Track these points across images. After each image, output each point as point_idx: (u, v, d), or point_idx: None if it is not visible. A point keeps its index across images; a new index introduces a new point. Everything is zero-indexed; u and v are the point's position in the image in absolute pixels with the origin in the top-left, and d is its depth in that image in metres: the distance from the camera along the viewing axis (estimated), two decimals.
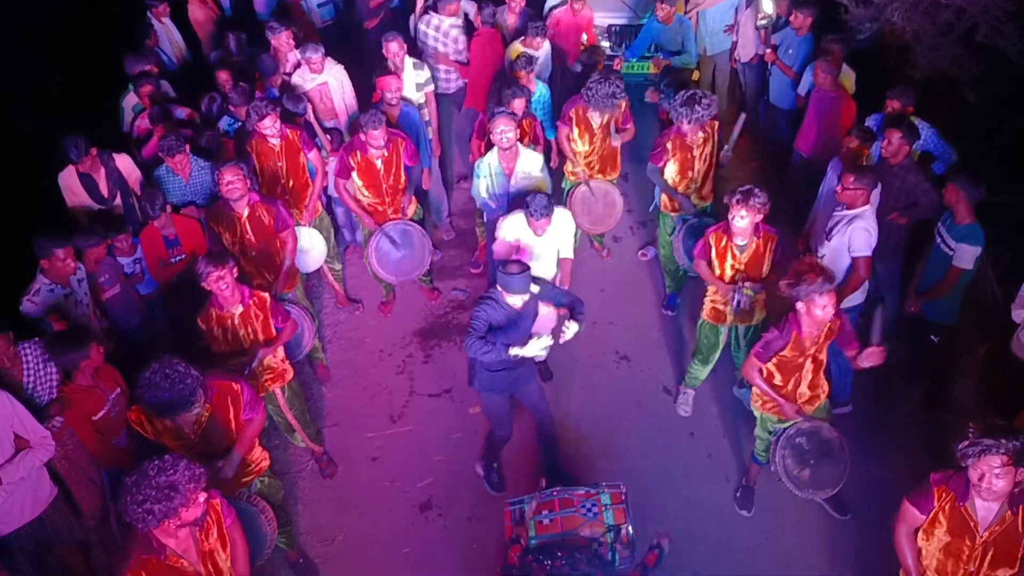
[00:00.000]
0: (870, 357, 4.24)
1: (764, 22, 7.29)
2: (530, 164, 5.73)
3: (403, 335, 6.47)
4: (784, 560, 4.88)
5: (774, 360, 4.45)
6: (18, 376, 4.53)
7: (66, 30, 7.99)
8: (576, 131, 6.10)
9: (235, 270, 4.67)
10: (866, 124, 5.88)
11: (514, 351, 4.44)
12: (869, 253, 5.01)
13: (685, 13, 7.78)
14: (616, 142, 6.13)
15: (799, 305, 4.21)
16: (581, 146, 6.17)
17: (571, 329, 4.55)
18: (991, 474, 3.26)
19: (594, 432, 5.61)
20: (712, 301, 5.28)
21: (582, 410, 5.77)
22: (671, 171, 5.86)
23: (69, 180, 5.80)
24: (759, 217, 4.78)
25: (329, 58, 6.68)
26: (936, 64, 6.59)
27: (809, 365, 4.44)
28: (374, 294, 6.76)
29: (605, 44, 8.42)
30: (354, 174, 5.86)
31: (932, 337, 5.22)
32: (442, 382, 6.05)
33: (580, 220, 6.24)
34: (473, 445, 5.54)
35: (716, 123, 5.74)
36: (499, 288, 4.47)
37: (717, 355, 5.46)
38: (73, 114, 6.77)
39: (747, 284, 4.97)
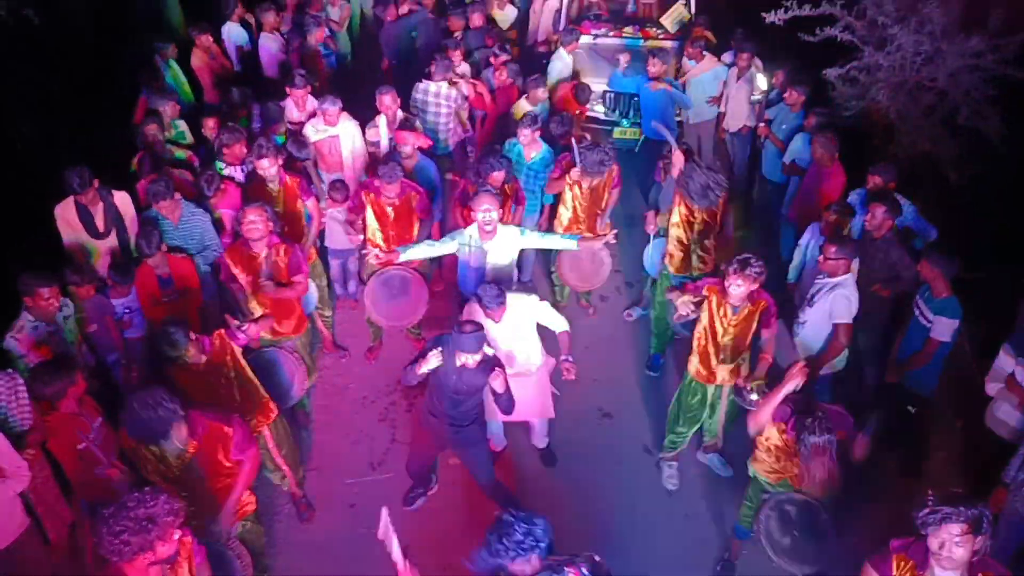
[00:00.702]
0: (858, 448, 4.39)
1: (758, 97, 7.54)
2: (508, 243, 5.63)
3: (387, 383, 6.50)
4: None
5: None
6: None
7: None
8: (568, 193, 6.23)
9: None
10: (849, 199, 6.06)
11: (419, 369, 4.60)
12: (850, 320, 5.12)
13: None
14: (602, 224, 6.36)
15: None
16: (567, 212, 6.33)
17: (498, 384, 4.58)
18: (951, 542, 3.22)
19: (574, 489, 5.61)
20: (698, 357, 5.23)
21: (561, 466, 5.79)
22: (674, 232, 5.95)
23: (67, 212, 5.80)
24: (755, 286, 4.84)
25: (345, 112, 6.80)
26: (919, 144, 6.84)
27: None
28: (361, 342, 6.81)
29: (600, 109, 8.67)
30: (368, 212, 5.98)
31: (909, 408, 5.30)
32: None
33: (568, 277, 6.35)
34: (449, 496, 5.54)
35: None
36: (453, 347, 4.54)
37: (704, 415, 5.41)
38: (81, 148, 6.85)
39: (754, 387, 5.00)
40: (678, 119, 8.49)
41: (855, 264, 5.31)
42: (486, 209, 5.37)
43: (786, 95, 7.24)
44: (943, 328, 4.98)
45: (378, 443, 5.96)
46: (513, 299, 5.13)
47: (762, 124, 7.52)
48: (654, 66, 7.55)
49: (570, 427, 6.03)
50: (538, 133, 6.63)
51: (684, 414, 5.45)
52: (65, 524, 4.78)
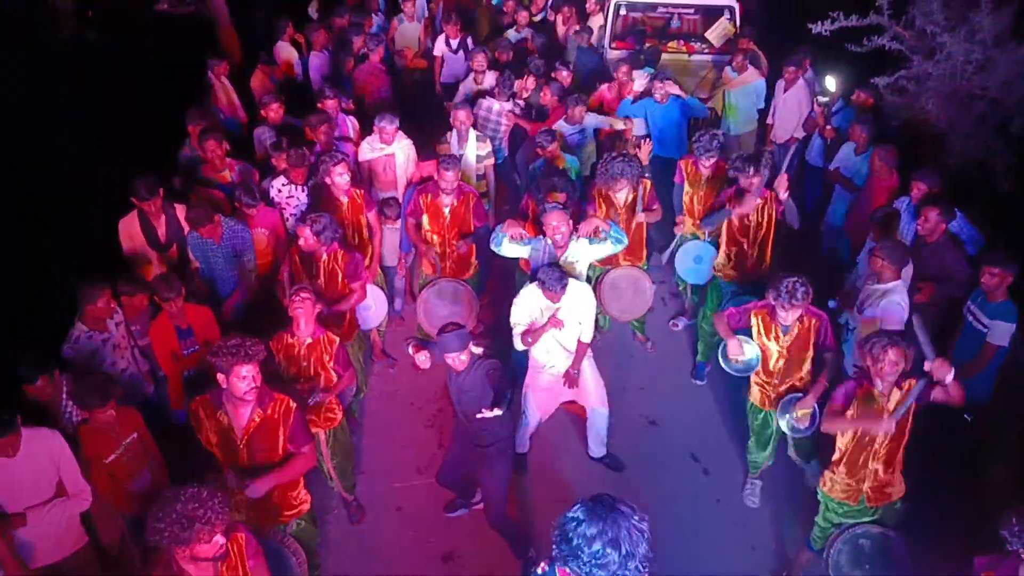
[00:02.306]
0: (939, 372, 4.12)
1: (826, 99, 7.52)
2: (579, 255, 5.61)
3: (434, 390, 6.55)
4: None
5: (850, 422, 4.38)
6: (58, 409, 4.62)
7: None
8: (601, 211, 6.14)
9: (315, 302, 4.93)
10: (894, 206, 6.02)
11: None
12: (900, 327, 5.03)
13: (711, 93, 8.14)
14: (640, 218, 6.14)
15: (867, 360, 4.23)
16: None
17: (491, 412, 4.51)
18: None
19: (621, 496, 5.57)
20: (756, 384, 5.21)
21: (608, 473, 5.77)
22: (725, 236, 5.96)
23: (130, 226, 5.94)
24: (803, 310, 4.79)
25: (400, 131, 6.90)
26: (970, 152, 6.75)
27: (882, 445, 4.33)
28: (408, 353, 6.87)
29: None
30: (424, 217, 6.07)
31: (966, 416, 5.19)
32: None
33: (609, 308, 6.30)
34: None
35: (772, 195, 5.79)
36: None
37: (773, 438, 5.31)
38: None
39: (798, 408, 4.96)
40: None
41: (907, 271, 5.25)
42: (555, 226, 5.39)
43: (854, 96, 7.31)
44: (1001, 332, 4.90)
45: (425, 448, 6.00)
46: (574, 286, 5.19)
47: (829, 127, 7.50)
48: (659, 92, 7.53)
49: (616, 435, 5.99)
50: (557, 147, 6.73)
51: (754, 437, 5.41)
52: (116, 535, 4.79)
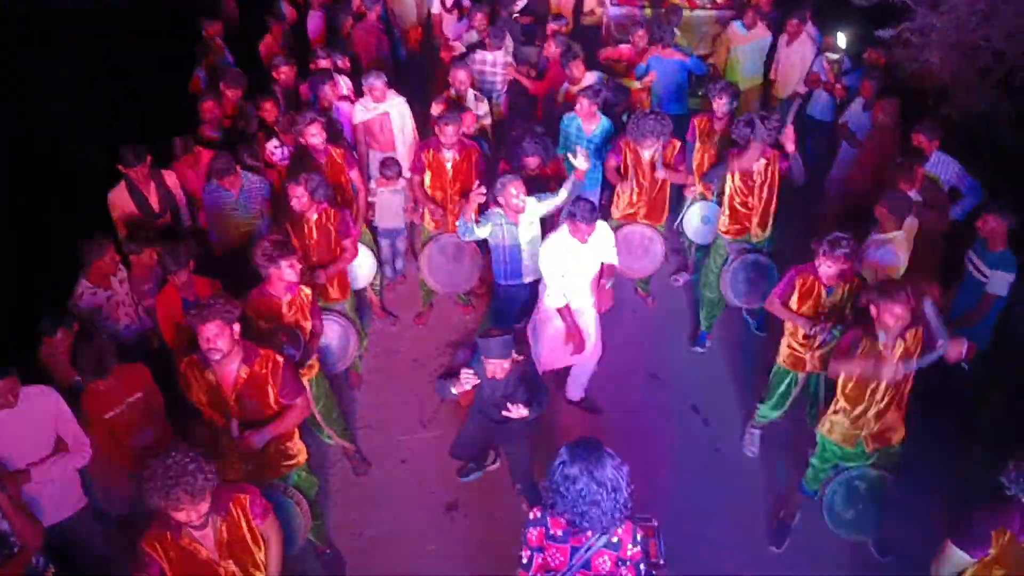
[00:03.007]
0: (952, 353, 4.18)
1: (836, 57, 7.46)
2: (532, 214, 5.67)
3: (437, 346, 6.61)
4: None
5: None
6: (69, 363, 4.60)
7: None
8: (629, 166, 6.09)
9: (300, 263, 4.87)
10: None
11: (453, 388, 4.59)
12: (897, 276, 5.05)
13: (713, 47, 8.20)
14: (660, 174, 6.07)
15: (872, 309, 4.27)
16: (624, 193, 6.22)
17: (517, 411, 4.49)
18: None
19: (622, 448, 5.62)
20: (790, 346, 5.15)
21: (608, 425, 5.83)
22: (730, 185, 5.86)
23: (119, 197, 5.85)
24: (847, 265, 4.75)
25: (391, 89, 6.83)
26: (974, 105, 6.70)
27: (883, 390, 4.37)
28: (410, 309, 6.94)
29: None
30: (427, 174, 6.08)
31: (963, 364, 5.22)
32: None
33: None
34: (499, 451, 5.61)
35: (777, 153, 5.71)
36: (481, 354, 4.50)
37: (790, 401, 5.35)
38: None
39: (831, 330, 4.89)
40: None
41: (909, 222, 5.25)
42: (515, 194, 5.42)
43: (865, 55, 7.30)
44: (1000, 282, 4.92)
45: (428, 402, 6.06)
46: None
47: (839, 85, 7.45)
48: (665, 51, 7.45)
49: (618, 387, 6.08)
50: (596, 106, 6.50)
51: (772, 398, 5.39)
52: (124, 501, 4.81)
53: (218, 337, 3.98)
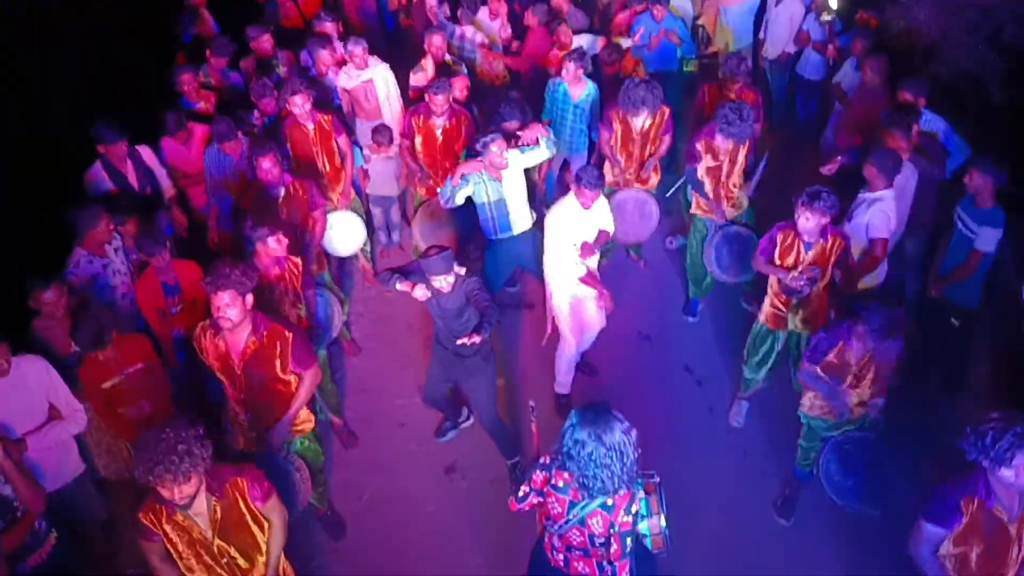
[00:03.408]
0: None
1: (827, 18, 7.43)
2: (515, 168, 5.62)
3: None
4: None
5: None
6: (66, 331, 4.59)
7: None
8: (618, 135, 6.09)
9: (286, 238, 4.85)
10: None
11: (398, 284, 4.67)
12: (887, 235, 5.11)
13: (701, 9, 8.15)
14: (647, 173, 6.19)
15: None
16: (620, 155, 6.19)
17: (471, 339, 4.44)
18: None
19: (617, 407, 5.71)
20: (773, 306, 5.19)
21: (602, 385, 5.90)
22: (700, 173, 5.85)
23: (96, 176, 5.74)
24: (826, 219, 4.75)
25: (373, 55, 6.77)
26: (962, 62, 6.72)
27: (848, 380, 4.49)
28: None
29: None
30: (417, 139, 6.06)
31: (952, 320, 5.31)
32: None
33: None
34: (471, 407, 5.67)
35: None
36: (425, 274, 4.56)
37: (773, 358, 5.38)
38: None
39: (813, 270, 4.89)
40: (714, 49, 8.44)
41: (901, 180, 5.28)
42: (497, 153, 5.37)
43: (857, 17, 7.34)
44: (988, 237, 4.97)
45: (424, 367, 6.03)
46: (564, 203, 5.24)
47: (831, 47, 7.44)
48: (658, 10, 7.37)
49: (611, 349, 6.11)
50: (582, 71, 6.46)
51: (752, 358, 5.43)
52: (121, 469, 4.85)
53: (229, 307, 4.00)
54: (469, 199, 5.62)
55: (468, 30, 7.44)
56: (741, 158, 5.77)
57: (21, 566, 3.93)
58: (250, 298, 4.11)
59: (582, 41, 7.29)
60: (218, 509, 3.45)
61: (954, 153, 5.88)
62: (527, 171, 5.82)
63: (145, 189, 5.92)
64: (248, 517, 3.54)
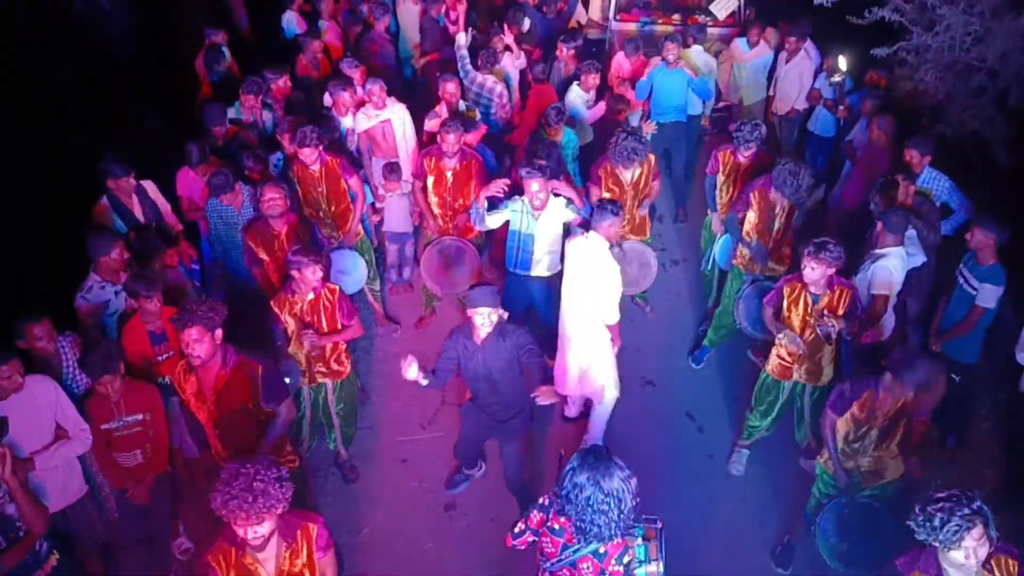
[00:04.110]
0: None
1: (838, 79, 7.60)
2: (556, 214, 5.73)
3: (437, 350, 6.61)
4: None
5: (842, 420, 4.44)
6: (58, 365, 4.67)
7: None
8: (607, 193, 6.12)
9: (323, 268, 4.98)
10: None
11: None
12: (887, 292, 5.15)
13: (718, 64, 8.28)
14: (644, 211, 6.26)
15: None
16: None
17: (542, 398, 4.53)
18: (974, 548, 3.13)
19: (618, 452, 5.73)
20: (779, 356, 5.22)
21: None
22: (750, 221, 5.88)
23: (103, 214, 5.83)
24: (832, 270, 4.80)
25: (391, 96, 6.93)
26: (967, 124, 6.84)
27: (874, 435, 4.38)
28: (412, 313, 7.08)
29: None
30: (429, 180, 6.20)
31: (953, 376, 5.34)
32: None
33: None
34: (497, 453, 5.67)
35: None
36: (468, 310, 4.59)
37: (778, 408, 5.39)
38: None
39: (830, 318, 4.88)
40: (726, 103, 8.63)
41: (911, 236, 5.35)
42: (535, 192, 5.49)
43: (867, 77, 7.48)
44: (988, 295, 5.03)
45: (428, 405, 6.18)
46: (589, 240, 5.28)
47: (842, 108, 7.55)
48: (670, 52, 7.51)
49: None
50: (561, 124, 6.78)
51: (758, 407, 5.45)
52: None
53: (197, 342, 4.07)
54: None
55: (488, 79, 7.64)
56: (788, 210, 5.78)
57: None
58: (219, 332, 4.16)
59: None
60: (287, 556, 3.36)
61: (957, 211, 5.98)
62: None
63: (151, 224, 5.98)
64: (307, 569, 3.41)
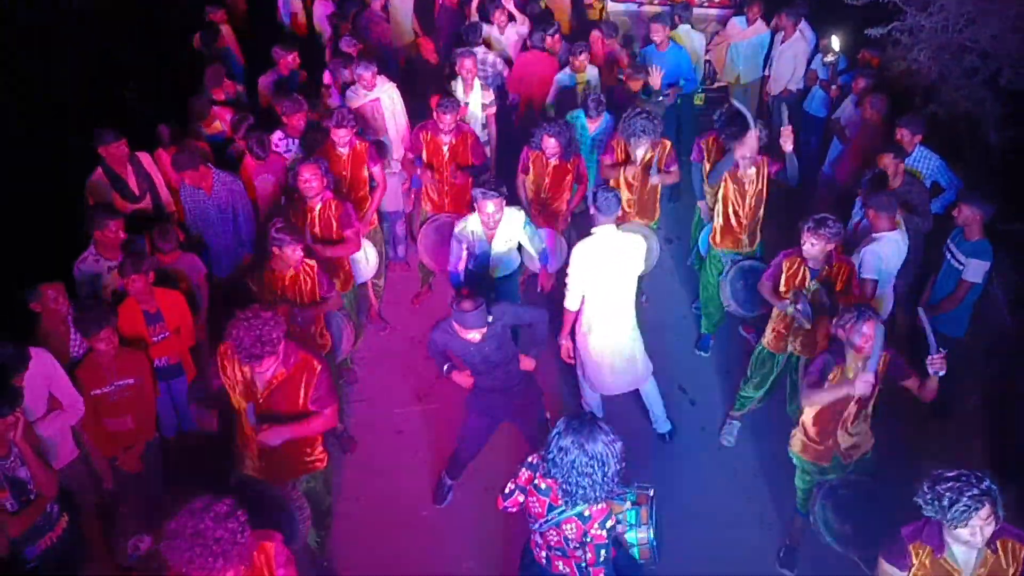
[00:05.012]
0: (934, 365, 4.17)
1: (831, 59, 7.65)
2: (511, 229, 5.62)
3: (433, 325, 6.76)
4: None
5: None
6: (65, 332, 4.73)
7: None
8: (619, 160, 6.14)
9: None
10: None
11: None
12: (875, 276, 5.19)
13: (711, 44, 8.34)
14: (655, 180, 6.14)
15: (841, 334, 4.27)
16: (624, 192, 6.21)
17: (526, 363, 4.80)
18: (980, 527, 3.19)
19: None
20: (774, 329, 5.30)
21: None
22: (720, 207, 5.87)
23: (98, 183, 5.79)
24: (831, 246, 4.85)
25: (381, 75, 6.96)
26: (960, 104, 6.91)
27: (852, 408, 4.38)
28: (410, 288, 7.16)
29: None
30: (424, 153, 6.25)
31: (941, 349, 5.41)
32: None
33: None
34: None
35: (766, 158, 5.72)
36: (454, 324, 4.54)
37: (771, 381, 5.47)
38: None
39: (812, 285, 4.93)
40: (721, 83, 8.69)
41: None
42: (491, 212, 5.39)
43: (860, 56, 7.51)
44: (976, 269, 5.12)
45: (424, 378, 6.25)
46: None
47: (834, 87, 7.60)
48: (657, 33, 7.57)
49: None
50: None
51: (752, 379, 5.53)
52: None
53: (270, 367, 3.98)
54: None
55: (489, 55, 7.66)
56: (759, 186, 5.76)
57: (31, 548, 4.05)
58: (282, 348, 3.95)
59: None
60: None
61: (947, 189, 6.06)
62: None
63: (144, 196, 5.94)
64: None
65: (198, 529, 2.87)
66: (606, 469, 3.33)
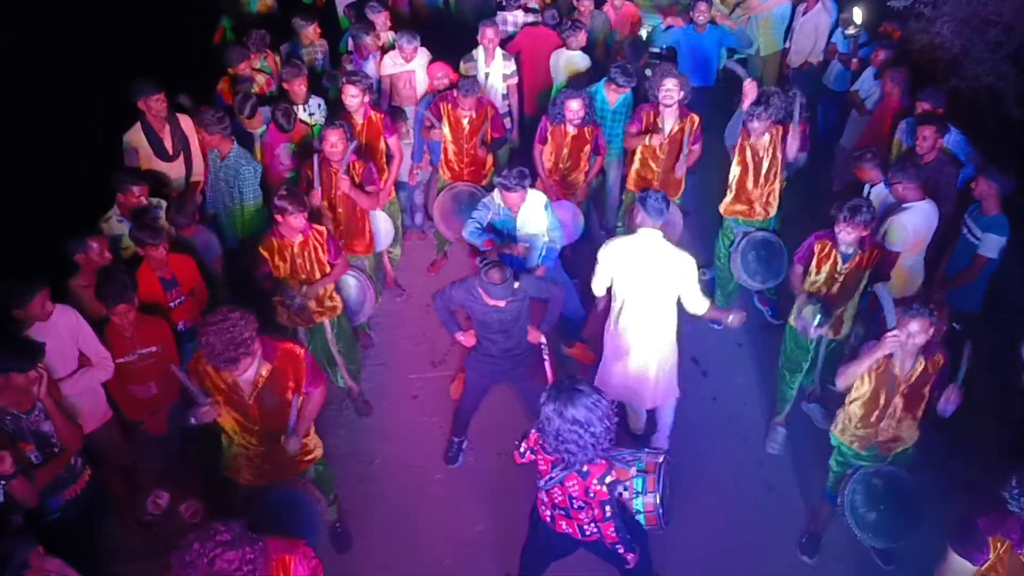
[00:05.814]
0: (951, 399, 4.17)
1: (852, 32, 7.57)
2: (535, 211, 5.61)
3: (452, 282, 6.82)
4: None
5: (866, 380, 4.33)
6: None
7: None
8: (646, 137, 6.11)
9: (306, 215, 5.01)
10: (899, 129, 6.19)
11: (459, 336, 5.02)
12: (900, 249, 5.15)
13: (732, 14, 8.29)
14: (680, 172, 6.16)
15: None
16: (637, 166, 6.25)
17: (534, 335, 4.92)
18: None
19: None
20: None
21: None
22: (735, 171, 5.88)
23: (135, 137, 5.83)
24: (867, 232, 4.82)
25: (422, 48, 6.95)
26: (982, 78, 6.84)
27: (898, 400, 4.29)
28: (425, 256, 7.21)
29: None
30: (445, 126, 6.27)
31: (955, 325, 5.43)
32: None
33: None
34: (505, 391, 5.74)
35: (780, 128, 5.70)
36: (479, 289, 4.61)
37: (808, 363, 5.31)
38: None
39: (819, 311, 4.89)
40: (740, 56, 8.61)
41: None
42: (514, 202, 5.45)
43: (881, 28, 7.47)
44: (992, 244, 5.11)
45: (439, 345, 6.33)
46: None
47: (855, 60, 7.52)
48: (701, 14, 7.53)
49: None
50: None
51: (786, 364, 5.40)
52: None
53: (249, 368, 3.85)
54: None
55: (516, 17, 7.61)
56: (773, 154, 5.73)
57: (55, 499, 4.15)
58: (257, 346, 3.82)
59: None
60: None
61: (967, 164, 6.01)
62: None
63: (178, 156, 5.98)
64: None
65: (210, 559, 2.73)
66: (592, 430, 3.38)
